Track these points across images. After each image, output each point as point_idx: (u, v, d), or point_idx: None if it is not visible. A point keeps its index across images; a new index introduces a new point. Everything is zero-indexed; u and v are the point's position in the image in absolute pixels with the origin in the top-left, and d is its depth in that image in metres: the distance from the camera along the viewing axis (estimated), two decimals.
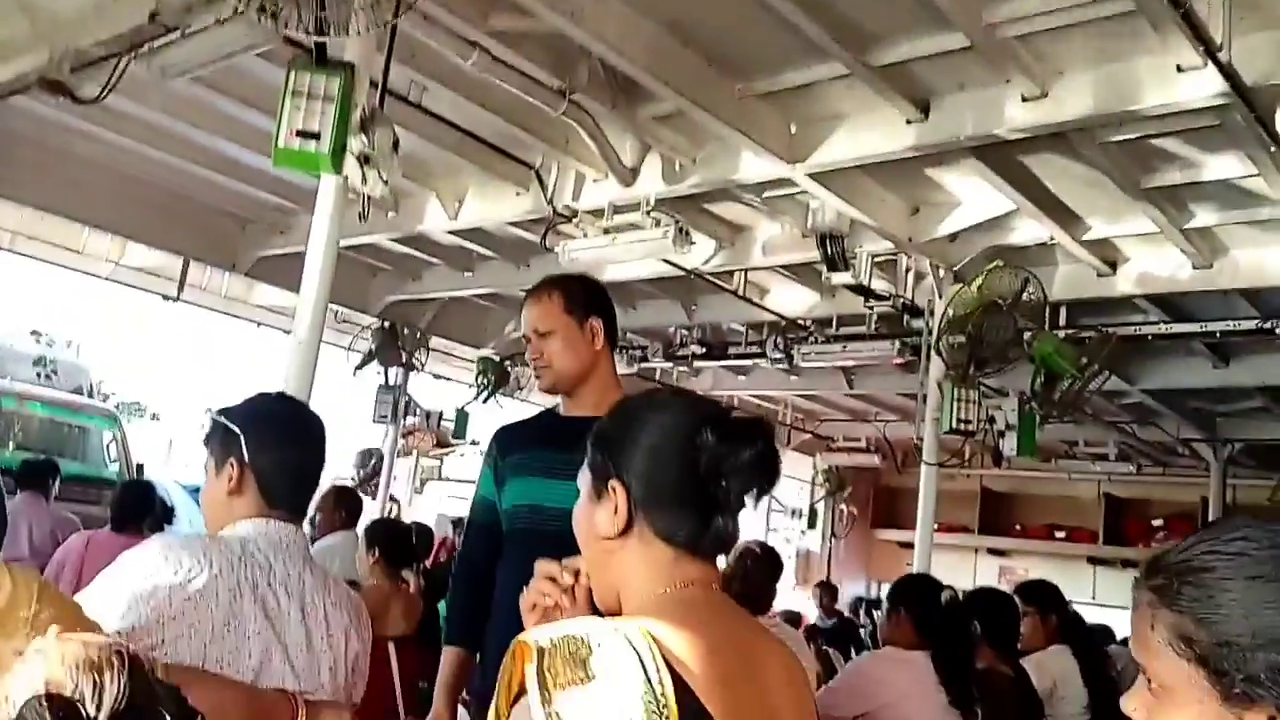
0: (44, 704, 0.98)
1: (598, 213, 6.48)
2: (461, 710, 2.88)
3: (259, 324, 9.61)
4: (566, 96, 5.12)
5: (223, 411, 2.19)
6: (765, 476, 1.44)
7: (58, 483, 6.86)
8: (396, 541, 4.89)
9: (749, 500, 1.45)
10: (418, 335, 9.15)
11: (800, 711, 1.41)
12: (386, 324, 8.87)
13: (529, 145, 6.27)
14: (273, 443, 2.13)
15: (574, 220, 6.56)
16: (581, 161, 6.25)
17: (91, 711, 1.00)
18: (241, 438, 2.11)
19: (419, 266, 8.85)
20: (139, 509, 5.58)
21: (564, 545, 2.44)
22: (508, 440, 2.79)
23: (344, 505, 5.89)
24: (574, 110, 5.26)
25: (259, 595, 1.98)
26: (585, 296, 2.74)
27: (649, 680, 1.20)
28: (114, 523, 5.56)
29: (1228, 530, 1.19)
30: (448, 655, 2.78)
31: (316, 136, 3.39)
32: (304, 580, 2.08)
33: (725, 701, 1.26)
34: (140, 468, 9.58)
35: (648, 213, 6.16)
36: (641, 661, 1.22)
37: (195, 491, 9.94)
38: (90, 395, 10.56)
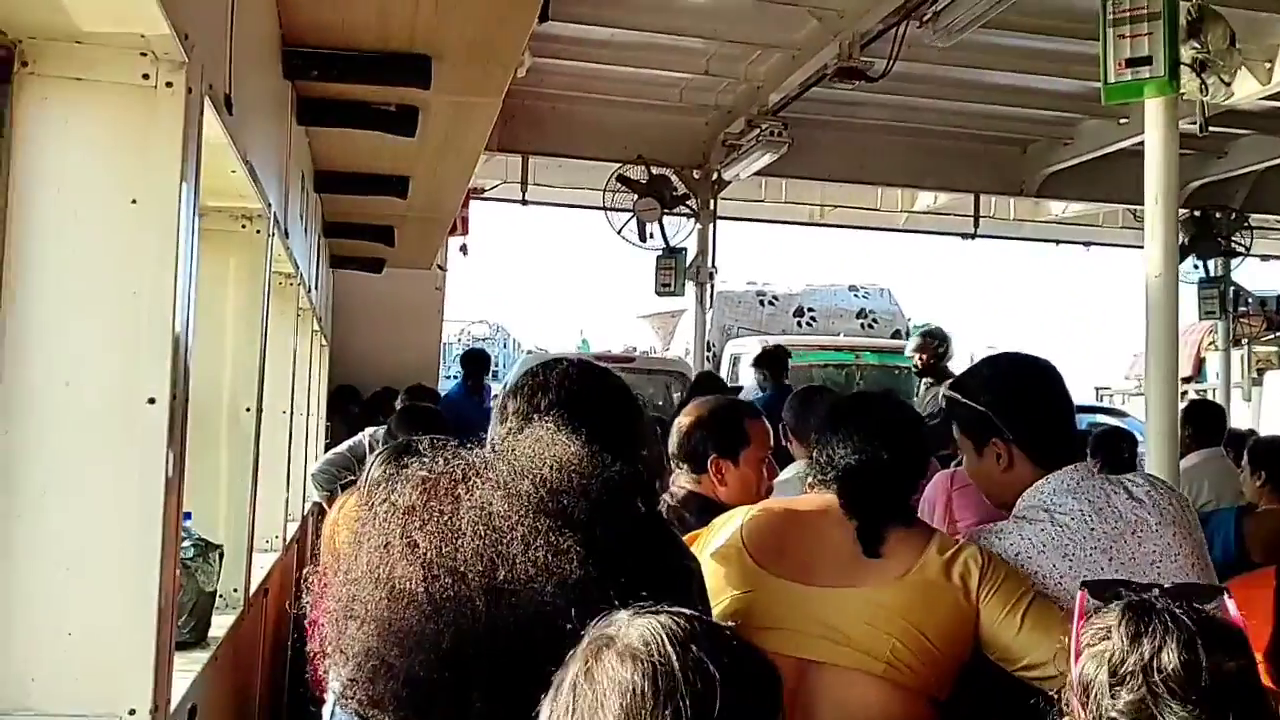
0: None
1: None
2: None
3: (1058, 242, 9.48)
4: None
5: (958, 387, 2.19)
6: None
7: None
8: None
9: None
10: (1233, 217, 8.21)
11: None
12: (1197, 212, 8.11)
13: None
14: (1025, 408, 2.10)
15: None
16: None
17: None
18: (991, 416, 2.09)
19: (1223, 142, 7.94)
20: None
21: None
22: None
23: (1190, 423, 5.48)
24: None
25: (1080, 560, 1.98)
26: None
27: None
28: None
29: None
30: None
31: (1148, 61, 3.15)
32: (1118, 510, 2.02)
33: None
34: None
35: None
36: None
37: None
38: (907, 336, 11.44)
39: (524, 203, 8.14)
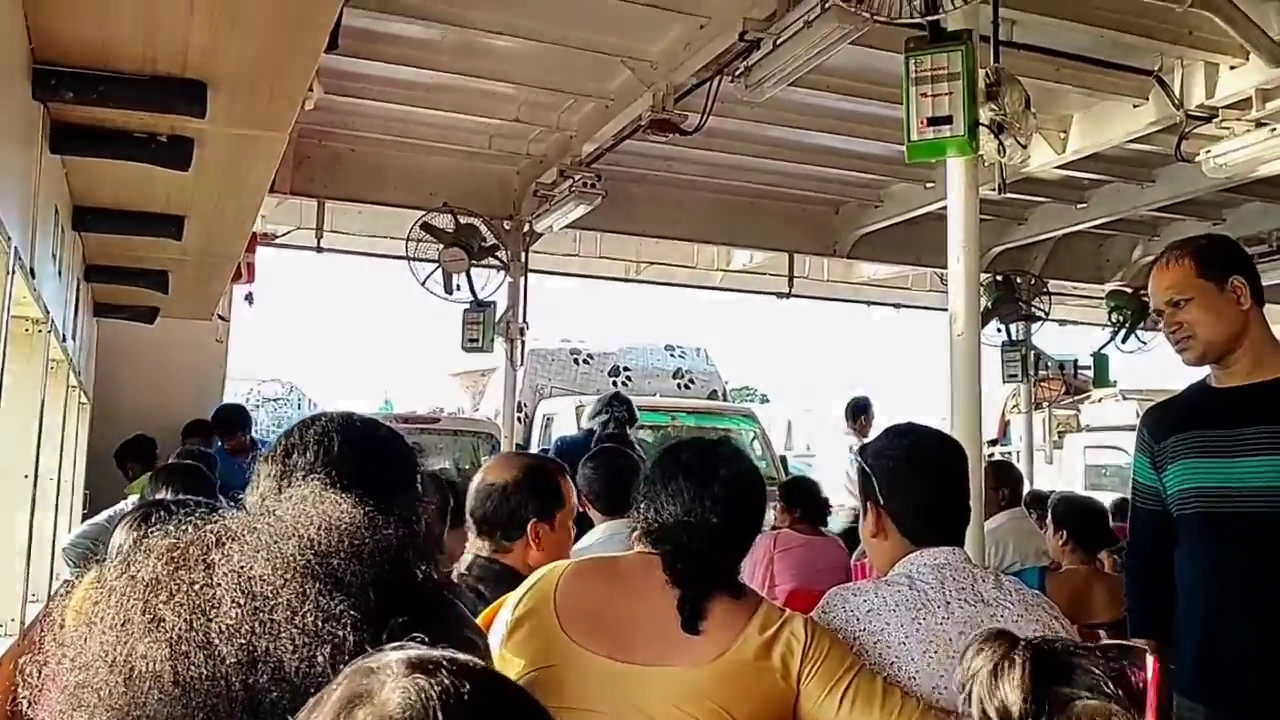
0: None
1: (1241, 105, 5.49)
2: None
3: (869, 303, 9.65)
4: None
5: (862, 449, 2.23)
6: None
7: None
8: (1089, 520, 4.43)
9: None
10: (1033, 281, 8.52)
11: None
12: (999, 277, 8.37)
13: (1141, 50, 5.52)
14: (900, 484, 2.12)
15: (1213, 120, 5.60)
16: (1212, 50, 5.32)
17: None
18: (873, 478, 2.13)
19: (1022, 209, 8.26)
20: (813, 507, 5.78)
21: (1238, 527, 2.45)
22: (1160, 423, 2.70)
23: (1006, 484, 5.54)
24: None
25: (930, 627, 1.97)
26: (1220, 255, 2.59)
27: None
28: (792, 522, 5.79)
29: None
30: None
31: (948, 120, 3.08)
32: (981, 594, 2.03)
33: None
34: (784, 460, 10.08)
35: None
36: None
37: None
38: (724, 397, 11.38)
39: (319, 250, 7.63)
